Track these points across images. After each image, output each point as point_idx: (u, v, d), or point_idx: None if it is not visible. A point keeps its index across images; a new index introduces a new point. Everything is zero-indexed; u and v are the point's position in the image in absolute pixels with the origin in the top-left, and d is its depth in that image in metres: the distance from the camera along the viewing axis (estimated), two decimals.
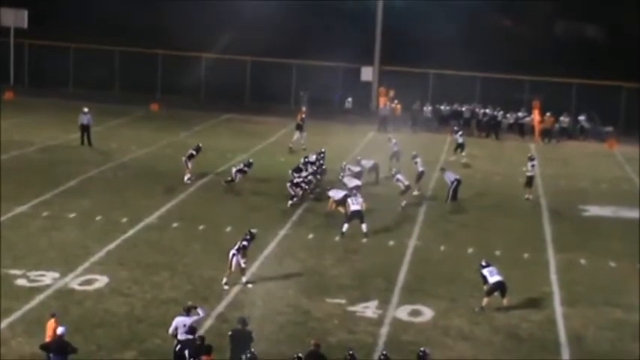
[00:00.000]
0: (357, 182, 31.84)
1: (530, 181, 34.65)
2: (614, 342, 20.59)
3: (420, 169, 34.57)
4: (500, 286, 22.05)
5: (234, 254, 22.88)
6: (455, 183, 33.10)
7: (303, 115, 43.16)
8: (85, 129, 40.31)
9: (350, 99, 54.52)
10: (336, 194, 29.97)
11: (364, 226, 28.04)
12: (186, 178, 34.04)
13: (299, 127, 42.12)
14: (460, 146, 41.08)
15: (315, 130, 44.20)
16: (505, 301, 22.11)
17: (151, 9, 63.12)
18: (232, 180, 33.10)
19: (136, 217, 28.67)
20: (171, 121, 48.70)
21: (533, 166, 34.98)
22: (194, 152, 34.68)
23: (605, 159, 38.49)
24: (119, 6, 61.60)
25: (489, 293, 22.06)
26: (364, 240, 27.62)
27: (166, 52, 57.74)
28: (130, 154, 39.41)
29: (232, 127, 48.31)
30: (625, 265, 26.16)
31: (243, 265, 22.90)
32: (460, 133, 41.95)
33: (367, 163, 35.46)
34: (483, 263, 22.61)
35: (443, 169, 34.96)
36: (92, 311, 20.64)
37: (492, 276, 22.11)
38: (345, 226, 27.93)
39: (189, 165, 34.21)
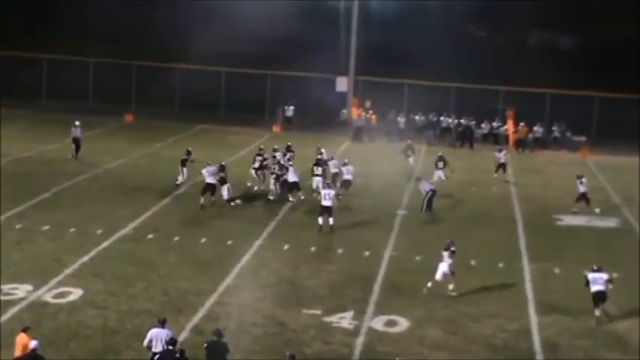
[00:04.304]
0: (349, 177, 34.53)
1: (582, 197, 34.28)
2: (589, 350, 20.70)
3: (334, 170, 35.59)
4: (598, 296, 22.17)
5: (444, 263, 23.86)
6: (430, 193, 33.19)
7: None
8: (77, 142, 40.13)
9: (344, 111, 54.87)
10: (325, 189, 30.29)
11: (331, 220, 29.37)
12: (178, 180, 35.05)
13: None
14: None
15: (288, 140, 44.13)
16: (597, 312, 22.23)
17: (125, 19, 62.93)
18: (231, 200, 33.15)
19: (111, 228, 28.53)
20: (145, 132, 48.56)
21: (581, 182, 34.55)
22: (186, 157, 35.42)
23: (578, 168, 38.72)
24: (93, 17, 61.40)
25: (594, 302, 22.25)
26: (339, 250, 27.63)
27: (141, 62, 57.55)
28: (105, 165, 39.23)
29: (207, 138, 48.20)
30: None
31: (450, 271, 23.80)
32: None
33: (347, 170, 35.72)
34: (595, 267, 22.68)
35: (419, 179, 35.06)
36: (66, 324, 20.49)
37: (594, 285, 22.27)
38: (320, 220, 29.29)
39: (184, 170, 35.07)
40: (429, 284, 23.94)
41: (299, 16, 59.71)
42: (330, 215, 29.58)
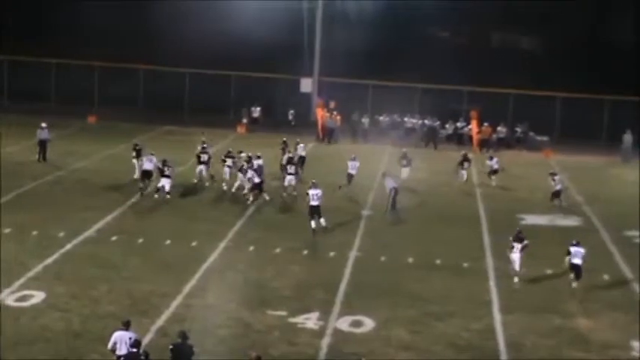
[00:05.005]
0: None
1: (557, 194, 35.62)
2: (553, 349, 20.86)
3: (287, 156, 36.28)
4: (575, 268, 24.86)
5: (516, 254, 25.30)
6: (392, 192, 33.30)
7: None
8: (42, 144, 39.74)
9: (292, 111, 54.90)
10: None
11: (323, 220, 29.53)
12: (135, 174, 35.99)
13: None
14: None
15: (256, 142, 44.13)
16: (575, 284, 24.77)
17: (87, 20, 62.50)
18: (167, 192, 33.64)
19: (74, 230, 28.30)
20: (109, 134, 48.21)
21: (554, 180, 35.81)
22: (134, 152, 36.68)
23: (541, 168, 39.03)
24: (54, 17, 60.90)
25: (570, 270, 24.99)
26: (305, 251, 27.63)
27: (104, 63, 57.10)
28: (68, 167, 38.91)
29: (172, 139, 47.93)
30: (561, 272, 26.50)
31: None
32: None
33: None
34: (574, 242, 25.37)
35: (384, 174, 35.26)
36: (28, 327, 20.28)
37: (574, 257, 24.93)
38: (313, 224, 29.51)
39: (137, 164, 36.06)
40: (516, 279, 25.41)
41: (263, 18, 59.66)
42: (319, 216, 29.71)
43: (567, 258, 25.16)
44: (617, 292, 25.27)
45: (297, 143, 39.41)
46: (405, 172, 38.33)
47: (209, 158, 36.53)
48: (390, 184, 33.69)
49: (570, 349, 20.84)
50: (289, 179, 34.73)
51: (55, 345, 19.39)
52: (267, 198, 33.63)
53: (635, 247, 30.13)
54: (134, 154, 36.89)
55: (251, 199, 33.36)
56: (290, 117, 54.92)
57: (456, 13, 69.22)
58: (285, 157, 36.80)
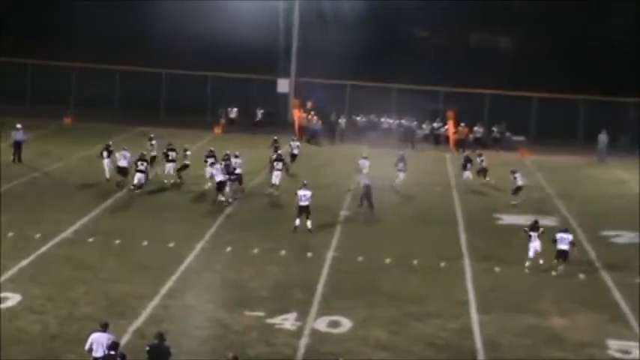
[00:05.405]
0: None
1: (519, 190, 36.29)
2: (529, 348, 20.95)
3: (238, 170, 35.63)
4: (561, 254, 26.25)
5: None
6: (364, 189, 33.40)
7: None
8: (17, 145, 39.48)
9: (262, 110, 55.02)
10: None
11: (309, 223, 29.61)
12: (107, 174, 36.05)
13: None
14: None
15: (229, 141, 44.06)
16: (560, 268, 26.19)
17: (63, 21, 62.16)
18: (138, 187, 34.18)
19: (50, 232, 28.13)
20: (85, 135, 47.92)
21: (515, 177, 36.38)
22: (105, 152, 36.53)
23: (518, 168, 39.15)
24: (29, 19, 60.50)
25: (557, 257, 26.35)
26: (282, 252, 27.62)
27: (79, 64, 56.75)
28: (44, 168, 38.71)
29: (145, 141, 47.65)
30: (538, 271, 26.66)
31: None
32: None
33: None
34: (562, 228, 27.34)
35: (357, 171, 35.41)
36: (4, 330, 20.09)
37: (560, 243, 26.26)
38: (297, 221, 29.65)
39: (106, 164, 36.15)
40: (528, 263, 26.66)
41: (241, 18, 59.56)
42: (307, 217, 29.76)
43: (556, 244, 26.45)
44: (593, 291, 25.42)
45: (292, 141, 39.59)
46: (401, 175, 38.18)
47: (177, 156, 36.77)
48: (363, 180, 33.82)
49: (546, 348, 20.95)
50: (276, 175, 34.92)
51: (32, 347, 19.25)
52: (222, 199, 33.36)
53: (610, 247, 30.37)
54: (105, 154, 36.53)
55: (224, 199, 33.27)
56: (259, 116, 55.08)
57: (434, 14, 69.41)
58: (274, 155, 36.95)
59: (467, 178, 39.15)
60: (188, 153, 37.26)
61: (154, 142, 37.63)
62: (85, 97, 55.79)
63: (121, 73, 57.51)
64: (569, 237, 26.53)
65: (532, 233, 26.94)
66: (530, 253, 26.72)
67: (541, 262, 26.68)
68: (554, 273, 26.29)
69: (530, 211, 34.82)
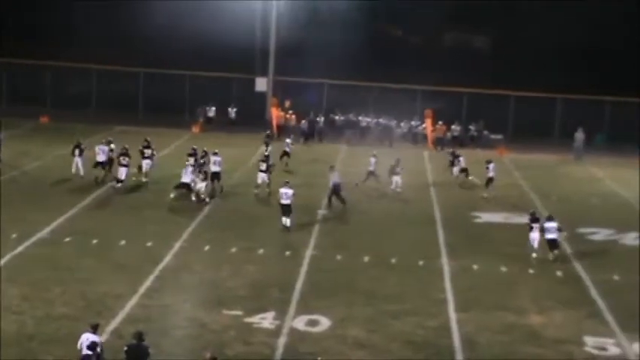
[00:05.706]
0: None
1: (490, 181, 37.32)
2: (507, 345, 21.03)
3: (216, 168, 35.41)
4: (552, 243, 27.44)
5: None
6: (335, 188, 33.41)
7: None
8: None
9: (235, 109, 55.00)
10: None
11: (288, 221, 29.78)
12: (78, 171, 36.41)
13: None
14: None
15: (207, 141, 43.95)
16: (551, 256, 27.47)
17: (39, 20, 61.79)
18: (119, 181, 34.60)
19: (27, 232, 27.95)
20: (62, 134, 47.58)
21: (487, 168, 37.45)
22: (77, 150, 36.61)
23: (495, 166, 39.34)
24: (4, 17, 60.08)
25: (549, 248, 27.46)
26: (260, 251, 27.59)
27: (56, 63, 56.46)
28: (20, 167, 38.45)
29: (126, 139, 47.33)
30: (515, 269, 26.80)
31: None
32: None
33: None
34: (547, 217, 28.22)
35: (332, 167, 35.34)
36: None
37: (548, 233, 27.44)
38: (284, 220, 29.96)
39: (78, 162, 36.47)
40: (534, 255, 27.51)
41: (219, 17, 59.46)
42: (287, 215, 29.89)
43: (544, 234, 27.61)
44: (570, 288, 25.57)
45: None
46: (396, 179, 37.57)
47: (152, 154, 37.20)
48: (334, 179, 33.84)
49: (524, 346, 21.03)
50: (262, 177, 34.88)
51: (8, 348, 19.13)
52: (193, 199, 33.37)
53: (587, 244, 30.56)
54: (77, 152, 36.58)
55: (194, 198, 33.27)
56: (233, 115, 55.07)
57: (410, 13, 69.60)
58: (263, 154, 37.05)
59: (456, 174, 39.71)
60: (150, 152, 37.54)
61: (112, 145, 37.45)
62: (62, 97, 55.49)
63: (99, 72, 57.22)
64: (555, 225, 27.63)
65: (533, 225, 27.78)
66: (535, 244, 27.63)
67: (534, 255, 27.58)
68: (550, 257, 27.54)
69: (507, 208, 35.04)
